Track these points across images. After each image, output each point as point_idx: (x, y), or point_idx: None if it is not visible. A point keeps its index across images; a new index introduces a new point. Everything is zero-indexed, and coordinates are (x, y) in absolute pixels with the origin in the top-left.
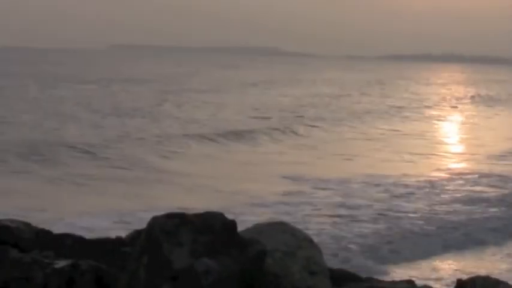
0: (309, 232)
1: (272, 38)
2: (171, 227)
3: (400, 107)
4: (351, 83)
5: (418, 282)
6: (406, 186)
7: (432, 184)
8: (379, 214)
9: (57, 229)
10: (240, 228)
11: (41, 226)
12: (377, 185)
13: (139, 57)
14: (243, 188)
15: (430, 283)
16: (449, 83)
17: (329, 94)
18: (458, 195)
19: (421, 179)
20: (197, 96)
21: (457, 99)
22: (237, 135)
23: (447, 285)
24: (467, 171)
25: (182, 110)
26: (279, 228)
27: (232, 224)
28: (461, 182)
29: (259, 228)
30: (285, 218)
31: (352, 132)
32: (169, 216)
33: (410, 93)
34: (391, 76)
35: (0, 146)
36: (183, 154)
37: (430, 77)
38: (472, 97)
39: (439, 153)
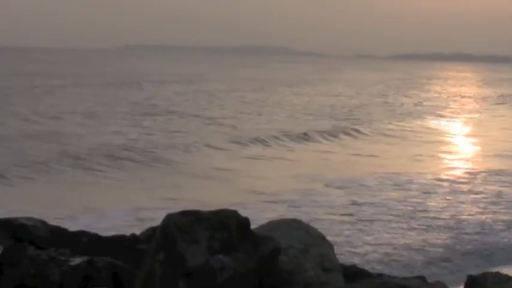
0: (324, 231)
1: (284, 37)
2: (186, 224)
3: (422, 106)
4: (372, 84)
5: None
6: (423, 184)
7: (450, 182)
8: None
9: (73, 227)
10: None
11: (56, 223)
12: (395, 184)
13: (155, 56)
14: (265, 186)
15: None
16: (464, 82)
17: (358, 94)
18: (479, 196)
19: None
20: (235, 96)
21: (473, 98)
22: (289, 136)
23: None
24: (481, 169)
25: (229, 112)
26: (293, 225)
27: (246, 222)
28: (478, 180)
29: (273, 225)
30: (301, 216)
31: (378, 131)
32: (184, 213)
33: (433, 92)
34: (410, 76)
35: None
36: (226, 154)
37: (446, 76)
38: (487, 96)
39: (456, 152)
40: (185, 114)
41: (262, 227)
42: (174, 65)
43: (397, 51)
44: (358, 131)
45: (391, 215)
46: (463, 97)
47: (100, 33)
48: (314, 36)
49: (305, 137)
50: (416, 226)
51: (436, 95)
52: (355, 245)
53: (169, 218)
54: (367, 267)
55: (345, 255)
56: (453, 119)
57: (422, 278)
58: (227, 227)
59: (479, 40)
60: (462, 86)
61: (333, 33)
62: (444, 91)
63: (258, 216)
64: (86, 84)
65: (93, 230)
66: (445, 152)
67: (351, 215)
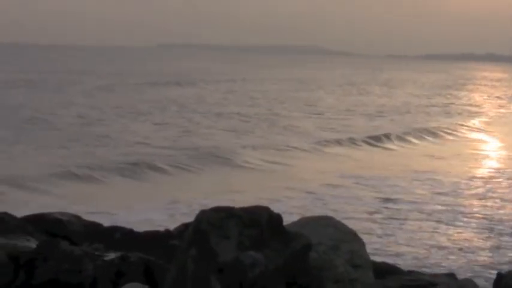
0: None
1: (314, 36)
2: (218, 220)
3: (467, 106)
4: (415, 83)
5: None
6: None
7: (485, 181)
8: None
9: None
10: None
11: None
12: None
13: (190, 55)
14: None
15: None
16: (498, 83)
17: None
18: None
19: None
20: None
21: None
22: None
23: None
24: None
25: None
26: (323, 222)
27: (278, 218)
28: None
29: (304, 222)
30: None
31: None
32: (217, 209)
33: (471, 92)
34: (451, 76)
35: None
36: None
37: (481, 77)
38: None
39: (494, 151)
40: (235, 113)
41: (293, 223)
42: (210, 64)
43: (426, 51)
44: (424, 132)
45: (424, 213)
46: (499, 98)
47: (132, 31)
48: (343, 35)
49: (352, 139)
50: (450, 225)
51: (477, 94)
52: (388, 244)
53: (202, 214)
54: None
55: (377, 254)
56: (495, 119)
57: (451, 276)
58: (258, 223)
59: (510, 41)
60: (498, 87)
61: (362, 33)
62: (482, 91)
63: (292, 211)
64: (129, 84)
65: (130, 226)
66: (485, 151)
67: (383, 213)
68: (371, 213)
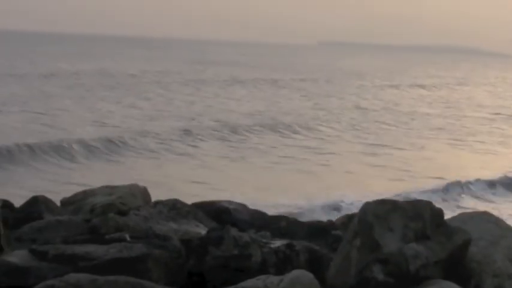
0: None
1: (468, 37)
2: (383, 212)
3: None
4: None
5: None
6: None
7: None
8: None
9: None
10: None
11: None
12: None
13: (356, 54)
14: None
15: None
16: None
17: None
18: None
19: None
20: None
21: None
22: None
23: None
24: None
25: None
26: (483, 218)
27: (440, 213)
28: None
29: (464, 217)
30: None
31: None
32: (382, 202)
33: None
34: None
35: None
36: None
37: None
38: None
39: None
40: None
41: (453, 218)
42: (394, 63)
43: None
44: None
45: None
46: None
47: (291, 29)
48: (500, 37)
49: None
50: None
51: None
52: None
53: (367, 206)
54: None
55: None
56: None
57: None
58: (421, 217)
59: None
60: None
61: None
62: None
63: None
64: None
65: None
66: None
67: None
68: None
